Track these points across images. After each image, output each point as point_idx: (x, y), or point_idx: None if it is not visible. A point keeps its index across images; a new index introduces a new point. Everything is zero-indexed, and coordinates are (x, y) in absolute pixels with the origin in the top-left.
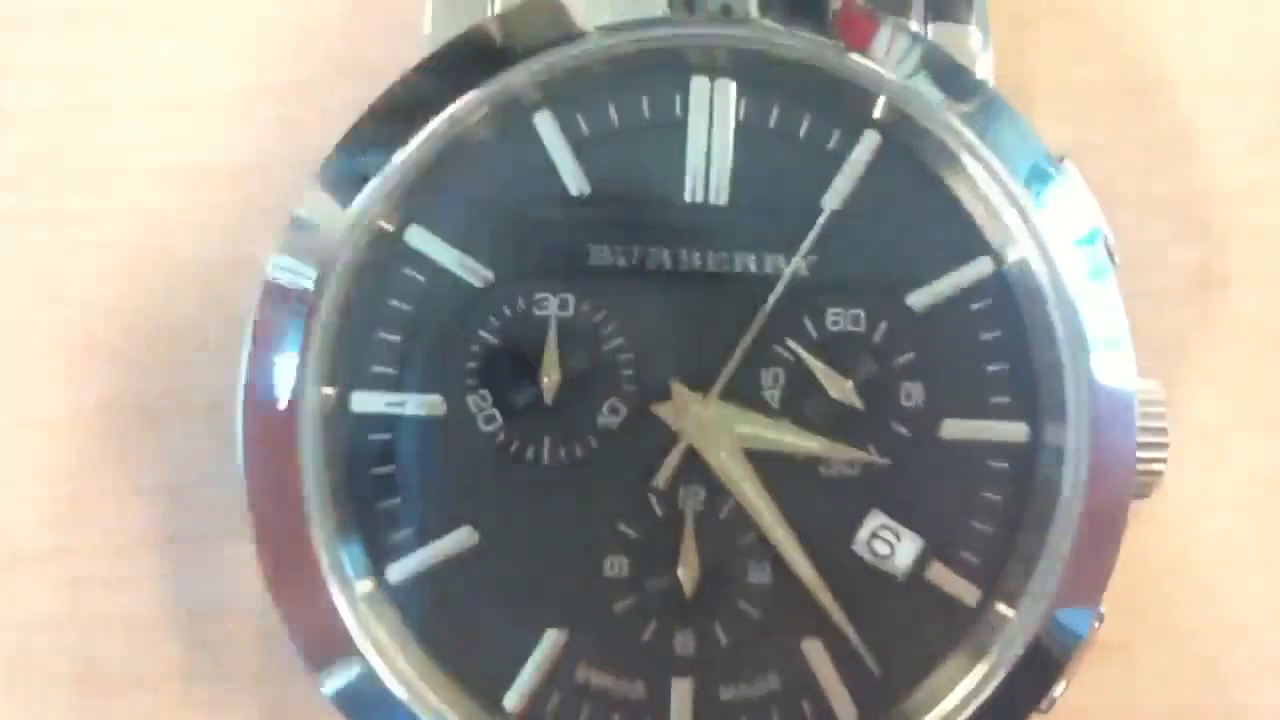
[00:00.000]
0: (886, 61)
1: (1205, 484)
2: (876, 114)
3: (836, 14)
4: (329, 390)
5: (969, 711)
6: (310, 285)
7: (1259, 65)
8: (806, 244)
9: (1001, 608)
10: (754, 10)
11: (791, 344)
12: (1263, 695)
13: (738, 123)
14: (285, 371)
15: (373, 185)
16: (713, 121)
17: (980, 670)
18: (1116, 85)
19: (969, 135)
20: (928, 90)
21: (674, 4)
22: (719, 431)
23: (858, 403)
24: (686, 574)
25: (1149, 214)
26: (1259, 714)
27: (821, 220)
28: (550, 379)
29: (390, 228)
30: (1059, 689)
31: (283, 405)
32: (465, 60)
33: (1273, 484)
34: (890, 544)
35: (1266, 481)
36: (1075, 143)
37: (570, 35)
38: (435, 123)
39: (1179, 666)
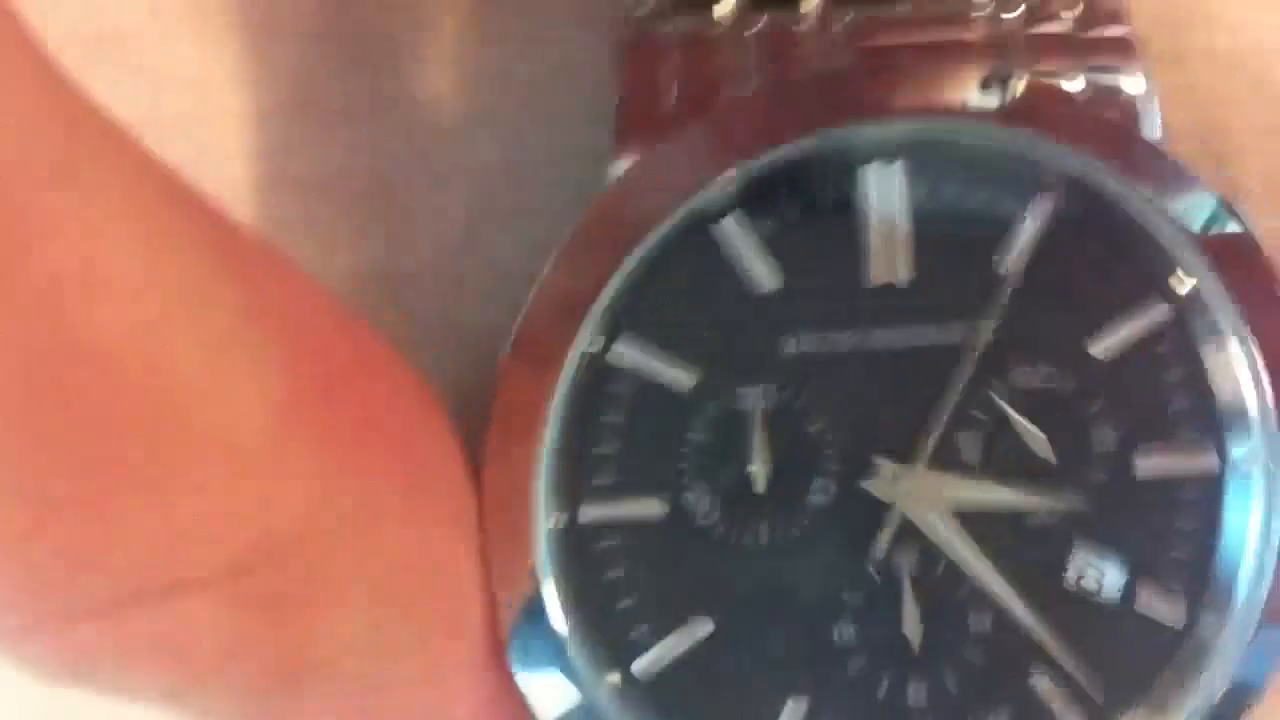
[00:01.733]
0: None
1: None
2: (1048, 178)
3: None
4: (560, 514)
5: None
6: None
7: None
8: (991, 310)
9: (1208, 626)
10: None
11: (991, 402)
12: None
13: (912, 201)
14: None
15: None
16: (888, 203)
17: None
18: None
19: (1144, 194)
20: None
21: None
22: (927, 496)
23: (1053, 456)
24: (912, 629)
25: None
26: None
27: (1002, 287)
28: (759, 468)
29: (595, 349)
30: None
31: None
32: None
33: None
34: (1097, 578)
35: None
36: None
37: None
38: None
39: None
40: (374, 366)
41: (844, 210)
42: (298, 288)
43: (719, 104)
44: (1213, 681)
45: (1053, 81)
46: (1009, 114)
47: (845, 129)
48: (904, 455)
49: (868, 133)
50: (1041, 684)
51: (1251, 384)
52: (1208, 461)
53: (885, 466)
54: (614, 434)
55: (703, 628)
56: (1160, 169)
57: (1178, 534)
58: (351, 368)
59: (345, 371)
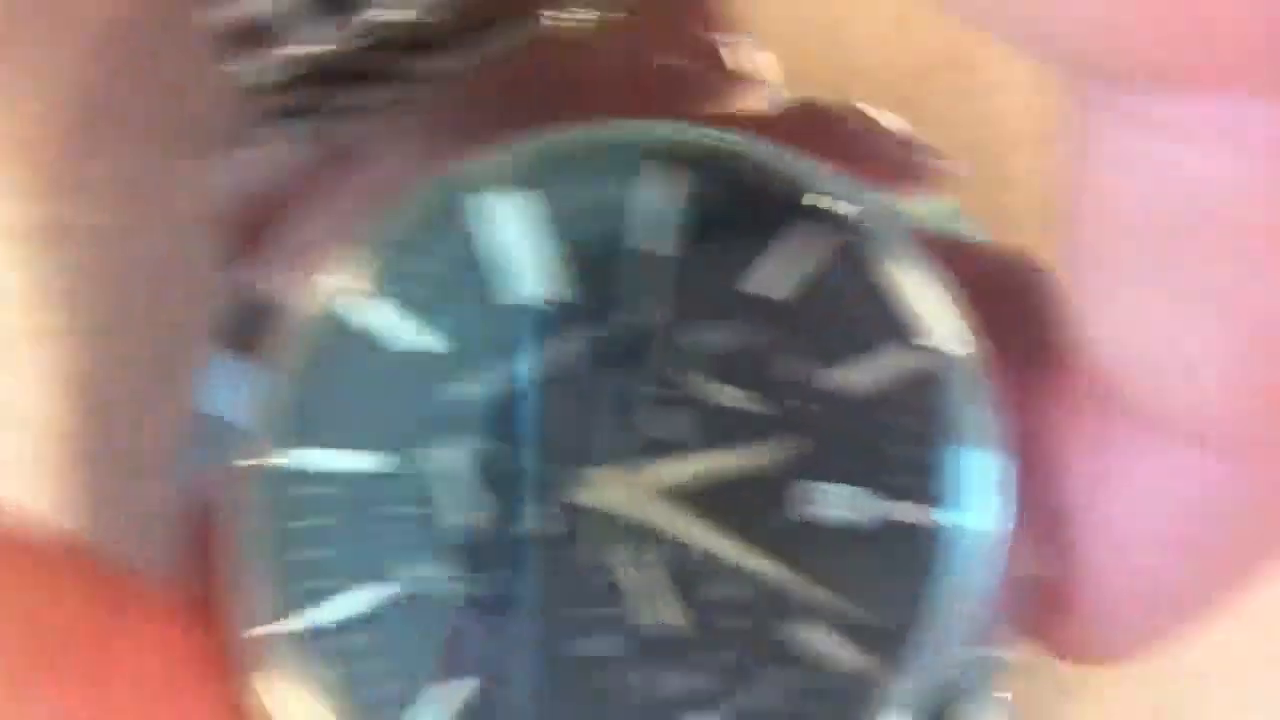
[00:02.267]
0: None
1: None
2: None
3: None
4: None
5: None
6: None
7: None
8: (650, 290)
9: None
10: None
11: (678, 378)
12: None
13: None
14: None
15: None
16: (517, 222)
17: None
18: None
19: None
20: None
21: None
22: (642, 490)
23: (757, 405)
24: (665, 619)
25: None
26: None
27: (654, 266)
28: (471, 522)
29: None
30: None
31: None
32: None
33: None
34: (842, 504)
35: None
36: None
37: None
38: None
39: None
40: None
41: (468, 240)
42: None
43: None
44: (979, 576)
45: None
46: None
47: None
48: (609, 458)
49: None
50: (810, 633)
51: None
52: (913, 354)
53: (595, 474)
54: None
55: (471, 692)
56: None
57: (904, 436)
58: None
59: None
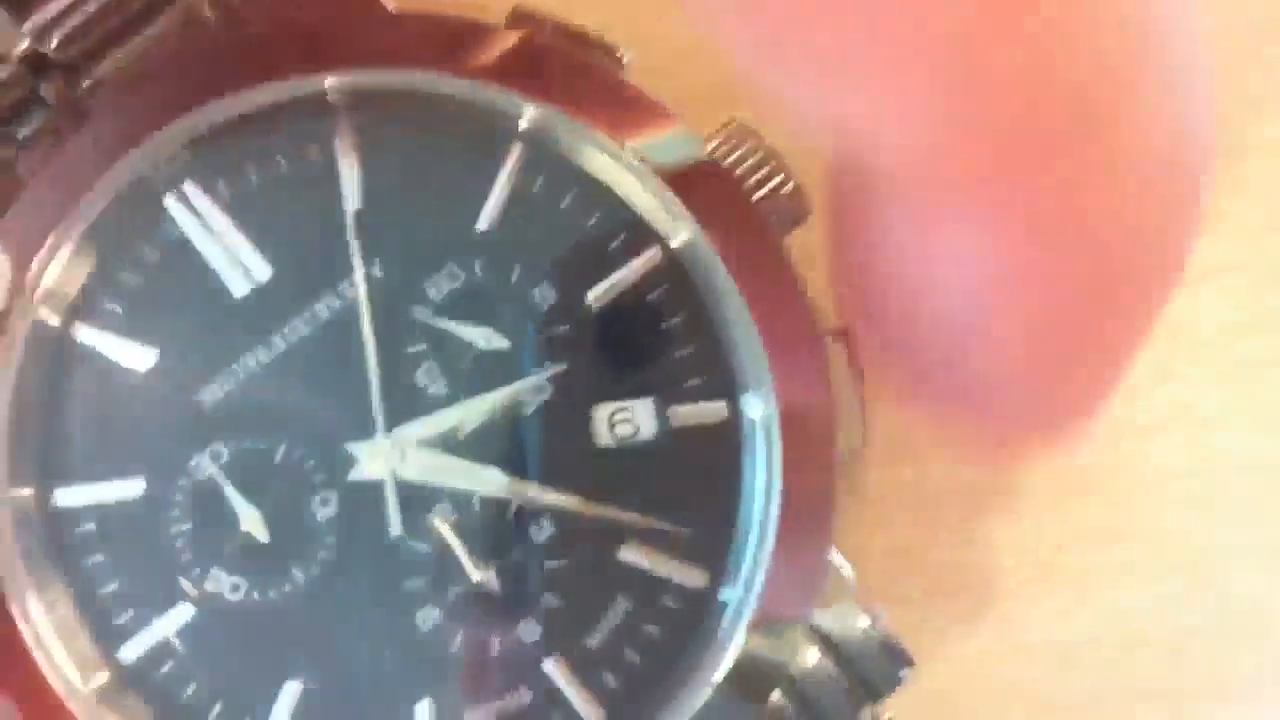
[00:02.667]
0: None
1: None
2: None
3: None
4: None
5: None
6: None
7: None
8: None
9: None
10: None
11: (416, 327)
12: None
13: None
14: None
15: None
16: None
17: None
18: None
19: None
20: None
21: None
22: (411, 451)
23: (504, 340)
24: (485, 576)
25: None
26: None
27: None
28: (252, 523)
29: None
30: None
31: None
32: None
33: None
34: (627, 420)
35: None
36: None
37: None
38: None
39: None
40: None
41: (174, 241)
42: None
43: None
44: (774, 457)
45: None
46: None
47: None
48: (368, 429)
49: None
50: (634, 555)
51: None
52: (651, 255)
53: (357, 448)
54: None
55: (295, 691)
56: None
57: (669, 335)
58: None
59: None
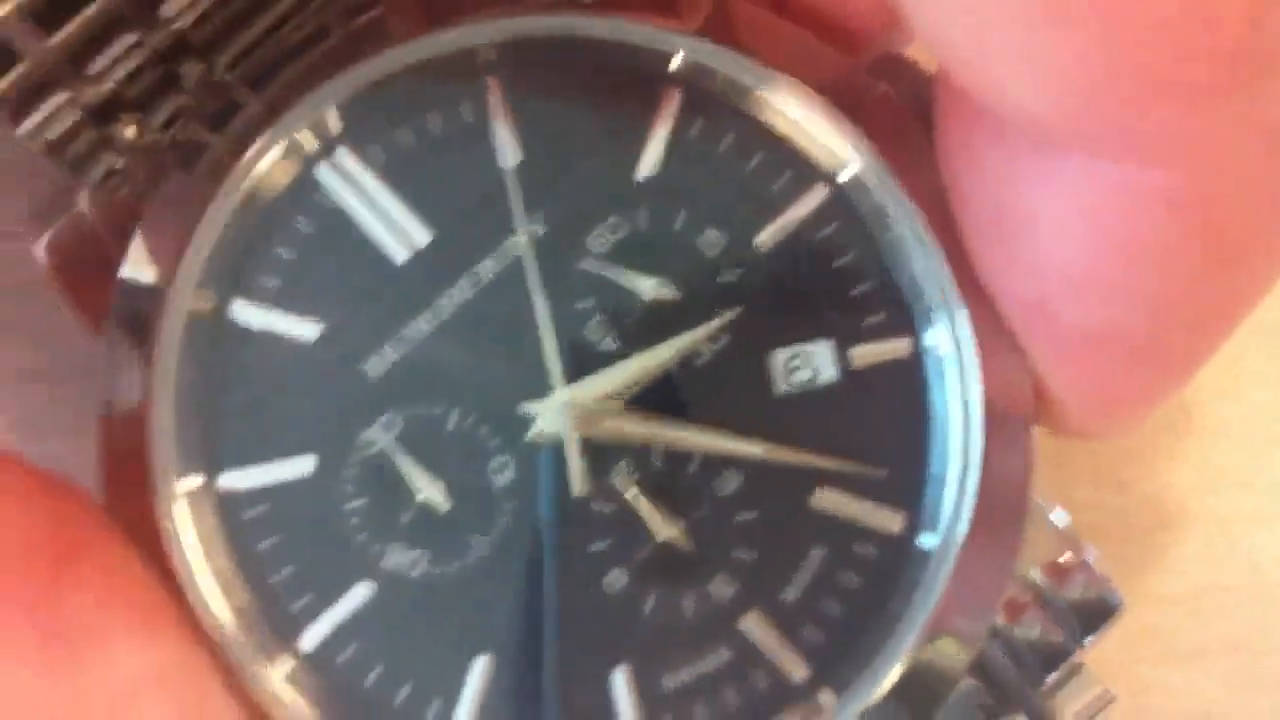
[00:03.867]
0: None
1: None
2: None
3: None
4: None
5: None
6: None
7: None
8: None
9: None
10: None
11: (585, 279)
12: None
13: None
14: None
15: None
16: (359, 182)
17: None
18: None
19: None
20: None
21: None
22: (590, 408)
23: (673, 289)
24: (673, 534)
25: None
26: None
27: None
28: (430, 493)
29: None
30: None
31: None
32: None
33: None
34: (805, 365)
35: None
36: None
37: None
38: None
39: None
40: None
41: (329, 211)
42: None
43: None
44: (969, 391)
45: None
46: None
47: None
48: (543, 388)
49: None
50: (826, 501)
51: None
52: (818, 193)
53: (533, 408)
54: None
55: (486, 668)
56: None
57: (843, 274)
58: None
59: None
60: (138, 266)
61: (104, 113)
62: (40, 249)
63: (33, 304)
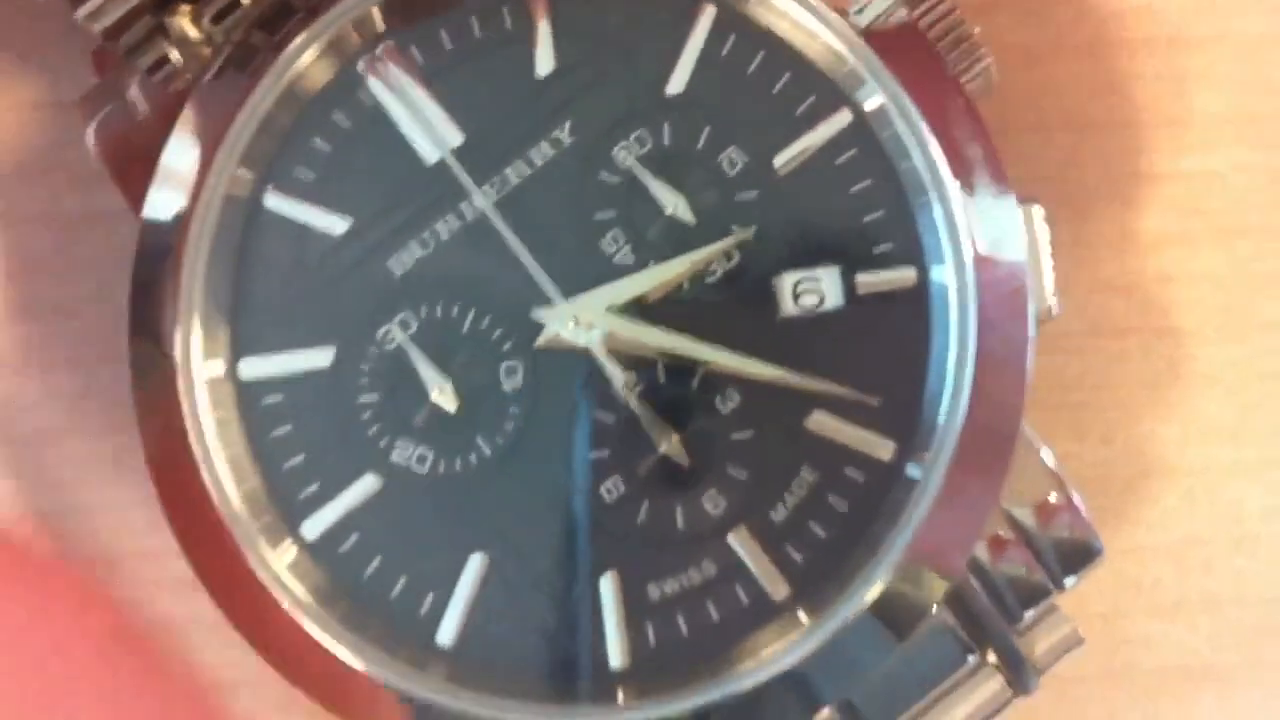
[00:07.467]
0: None
1: None
2: None
3: None
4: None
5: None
6: None
7: None
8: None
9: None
10: None
11: (605, 188)
12: None
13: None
14: None
15: None
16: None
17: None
18: None
19: None
20: None
21: None
22: (599, 318)
23: (690, 213)
24: (671, 447)
25: None
26: None
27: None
28: (442, 393)
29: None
30: None
31: None
32: None
33: None
34: (813, 290)
35: None
36: None
37: None
38: None
39: None
40: None
41: (367, 108)
42: None
43: None
44: (967, 325)
45: None
46: None
47: None
48: (555, 296)
49: None
50: (821, 424)
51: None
52: (841, 118)
53: (543, 314)
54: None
55: (482, 564)
56: None
57: (857, 200)
58: None
59: None
60: (179, 147)
61: (161, 1)
62: (90, 133)
63: None
